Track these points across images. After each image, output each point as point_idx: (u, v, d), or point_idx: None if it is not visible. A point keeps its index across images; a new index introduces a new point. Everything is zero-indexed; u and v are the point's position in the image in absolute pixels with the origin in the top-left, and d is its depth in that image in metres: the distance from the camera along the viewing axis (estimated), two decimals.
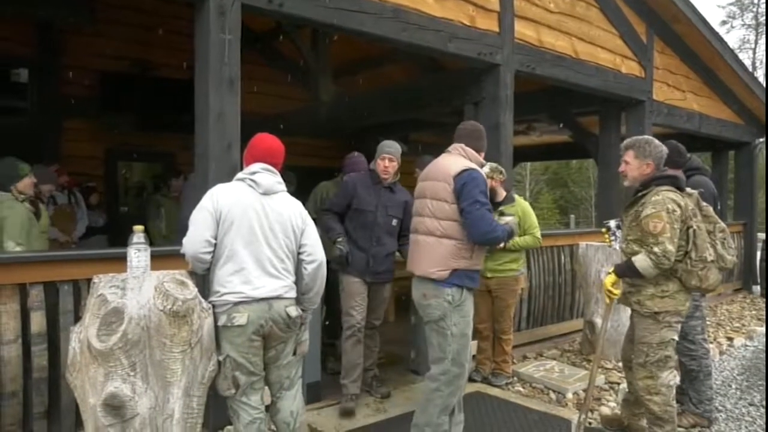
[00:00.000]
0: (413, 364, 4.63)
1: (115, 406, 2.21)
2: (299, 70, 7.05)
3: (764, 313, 7.40)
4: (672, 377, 3.29)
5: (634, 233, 3.27)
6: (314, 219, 2.96)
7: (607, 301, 3.41)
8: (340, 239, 3.79)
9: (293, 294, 2.72)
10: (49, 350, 2.94)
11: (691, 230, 3.19)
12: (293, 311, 2.67)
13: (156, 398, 2.28)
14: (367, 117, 7.38)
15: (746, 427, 3.90)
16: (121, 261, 2.52)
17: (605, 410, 4.03)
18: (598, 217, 8.01)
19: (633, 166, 3.31)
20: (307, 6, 3.72)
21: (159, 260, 2.66)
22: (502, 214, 3.35)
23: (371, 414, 3.82)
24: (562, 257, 5.91)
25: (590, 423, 3.76)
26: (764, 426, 3.90)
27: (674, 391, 3.34)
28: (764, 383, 4.67)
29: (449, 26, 4.60)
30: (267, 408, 2.78)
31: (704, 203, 3.46)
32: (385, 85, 7.62)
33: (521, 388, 4.47)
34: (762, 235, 9.53)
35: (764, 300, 8.26)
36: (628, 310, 3.53)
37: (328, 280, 2.98)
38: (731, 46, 8.36)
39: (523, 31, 5.23)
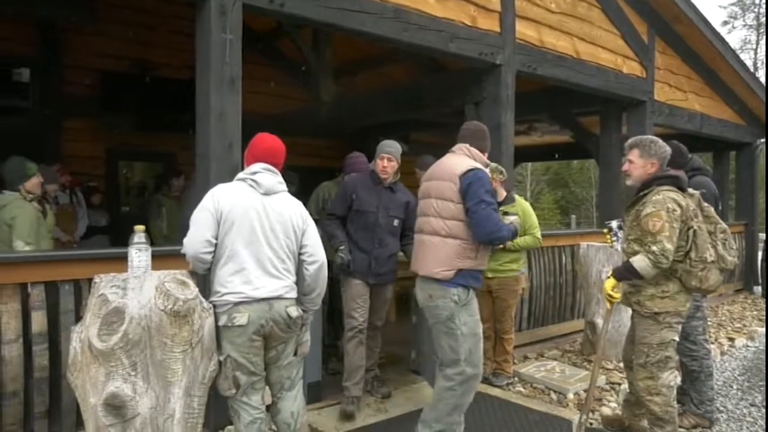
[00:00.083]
0: (414, 364, 4.63)
1: (115, 406, 2.21)
2: (300, 70, 7.05)
3: (765, 313, 7.39)
4: (673, 378, 3.29)
5: (634, 233, 3.27)
6: (316, 220, 2.96)
7: (608, 306, 3.40)
8: (342, 247, 3.76)
9: (294, 294, 2.72)
10: (50, 350, 2.94)
11: (691, 230, 3.19)
12: (294, 312, 2.67)
13: (157, 398, 2.28)
14: (368, 117, 7.39)
15: (747, 427, 3.89)
16: (122, 261, 2.52)
17: (606, 411, 4.02)
18: (599, 217, 8.02)
19: (637, 165, 3.31)
20: (308, 6, 3.72)
21: (160, 260, 2.66)
22: (505, 213, 3.35)
23: (372, 414, 3.82)
24: (563, 258, 5.90)
25: (591, 423, 3.76)
26: (765, 427, 3.90)
27: (675, 392, 3.34)
28: (765, 384, 4.67)
29: (450, 26, 4.60)
30: (268, 408, 2.78)
31: (705, 204, 3.46)
32: (385, 85, 7.62)
33: (522, 389, 4.46)
34: (763, 236, 9.54)
35: (765, 300, 8.25)
36: (629, 311, 3.53)
37: (331, 280, 2.98)
38: (733, 47, 8.36)
39: (524, 31, 5.23)
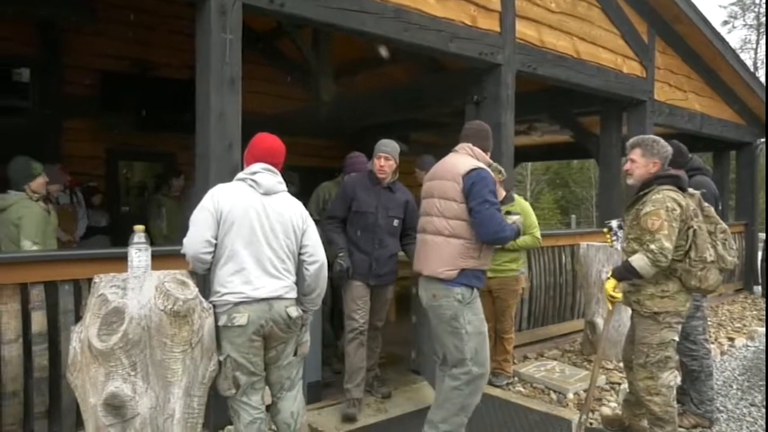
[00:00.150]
0: (414, 364, 4.63)
1: (115, 406, 2.21)
2: (300, 70, 7.05)
3: (765, 313, 7.39)
4: (672, 378, 3.29)
5: (634, 232, 3.27)
6: (316, 221, 2.96)
7: (609, 306, 3.40)
8: (341, 254, 3.73)
9: (294, 294, 2.72)
10: (49, 350, 2.94)
11: (691, 230, 3.19)
12: (294, 312, 2.66)
13: (157, 398, 2.28)
14: (368, 117, 7.39)
15: (747, 427, 3.89)
16: (121, 261, 2.52)
17: (606, 410, 4.02)
18: (599, 217, 8.01)
19: (639, 164, 3.30)
20: (308, 6, 3.71)
21: (160, 260, 2.66)
22: (508, 213, 3.35)
23: (372, 414, 3.82)
24: (563, 257, 5.90)
25: (591, 423, 3.75)
26: (765, 426, 3.89)
27: (675, 392, 3.34)
28: (765, 383, 4.67)
29: (450, 26, 4.60)
30: (268, 408, 2.78)
31: (706, 203, 3.46)
32: (386, 85, 7.62)
33: (522, 389, 4.46)
34: (763, 236, 9.53)
35: (765, 300, 8.25)
36: (629, 311, 3.53)
37: (331, 280, 2.97)
38: (733, 47, 8.36)
39: (524, 31, 5.23)
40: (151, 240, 2.61)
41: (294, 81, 7.43)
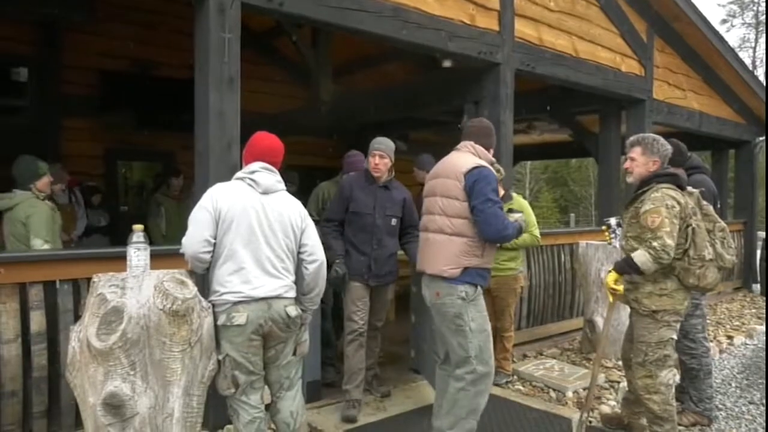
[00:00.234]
0: (413, 363, 4.63)
1: (114, 406, 2.21)
2: (299, 69, 7.05)
3: (764, 311, 7.40)
4: (671, 376, 3.29)
5: (633, 230, 3.27)
6: (315, 221, 2.95)
7: (611, 299, 3.40)
8: (338, 260, 3.70)
9: (293, 294, 2.72)
10: (48, 349, 2.95)
11: (690, 228, 3.19)
12: (293, 311, 2.66)
13: (156, 397, 2.28)
14: (367, 116, 7.37)
15: (746, 425, 3.90)
16: (120, 260, 2.52)
17: (605, 409, 4.03)
18: (598, 215, 8.02)
19: (639, 163, 3.31)
20: (307, 5, 3.71)
21: (159, 259, 2.67)
22: (510, 211, 3.34)
23: (371, 413, 3.82)
24: (562, 256, 5.91)
25: (590, 422, 3.76)
26: (764, 424, 3.90)
27: (674, 390, 3.34)
28: (764, 381, 4.67)
29: (449, 25, 4.60)
30: (267, 407, 2.78)
31: (704, 202, 3.46)
32: (385, 84, 7.61)
33: (521, 387, 4.47)
34: (762, 234, 9.54)
35: (764, 298, 8.26)
36: (628, 309, 3.53)
37: (330, 280, 2.97)
38: (731, 45, 8.36)
39: (523, 29, 5.22)
40: (150, 239, 2.61)
41: (293, 80, 7.42)
